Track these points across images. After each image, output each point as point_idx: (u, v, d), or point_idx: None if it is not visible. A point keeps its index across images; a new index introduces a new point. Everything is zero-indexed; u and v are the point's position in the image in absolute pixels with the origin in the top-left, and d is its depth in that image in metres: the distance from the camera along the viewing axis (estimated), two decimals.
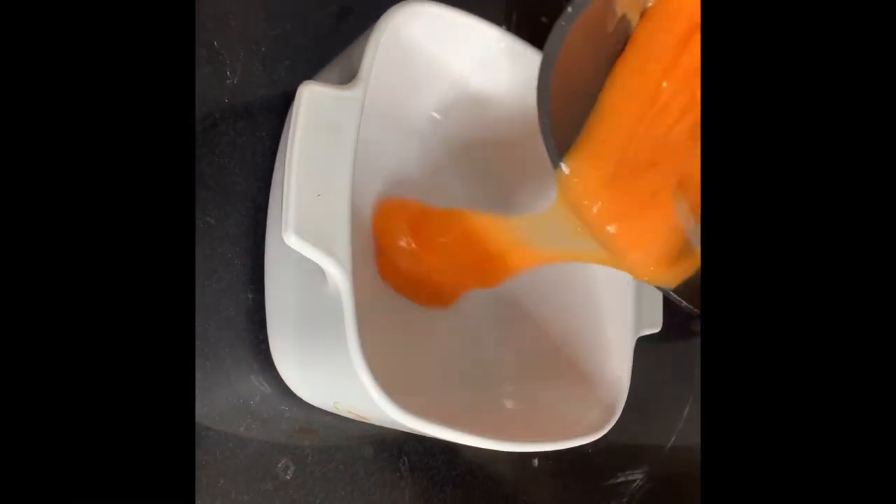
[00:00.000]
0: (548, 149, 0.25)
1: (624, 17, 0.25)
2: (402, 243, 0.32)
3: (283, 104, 0.31)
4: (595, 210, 0.25)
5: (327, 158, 0.24)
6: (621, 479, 0.44)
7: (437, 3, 0.29)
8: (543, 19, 0.45)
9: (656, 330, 0.36)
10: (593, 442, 0.32)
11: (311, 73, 0.31)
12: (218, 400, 0.28)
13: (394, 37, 0.29)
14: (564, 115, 0.25)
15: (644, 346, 0.39)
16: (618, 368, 0.34)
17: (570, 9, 0.22)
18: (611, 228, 0.25)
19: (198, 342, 0.27)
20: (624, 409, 0.33)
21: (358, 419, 0.28)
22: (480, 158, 0.39)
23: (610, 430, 0.32)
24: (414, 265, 0.32)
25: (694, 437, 0.51)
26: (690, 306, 0.25)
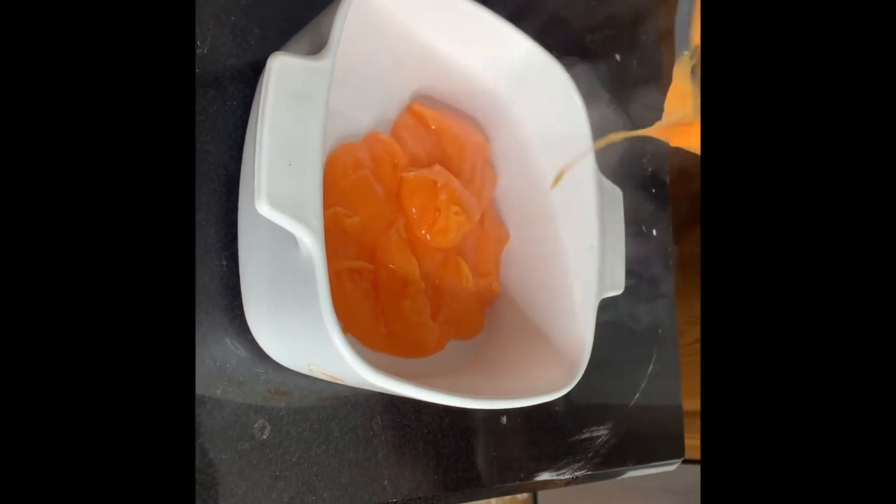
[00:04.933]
0: (682, 42, 0.33)
1: None
2: None
3: (253, 73, 0.31)
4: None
5: (298, 128, 0.24)
6: (587, 434, 0.46)
7: None
8: None
9: (619, 292, 0.37)
10: (560, 400, 0.33)
11: (280, 42, 0.31)
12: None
13: (364, 6, 0.29)
14: None
15: (610, 308, 0.40)
16: (581, 329, 0.35)
17: None
18: None
19: None
20: (590, 368, 0.34)
21: (331, 381, 0.29)
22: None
23: (576, 389, 0.34)
24: None
25: (656, 395, 0.52)
26: None
